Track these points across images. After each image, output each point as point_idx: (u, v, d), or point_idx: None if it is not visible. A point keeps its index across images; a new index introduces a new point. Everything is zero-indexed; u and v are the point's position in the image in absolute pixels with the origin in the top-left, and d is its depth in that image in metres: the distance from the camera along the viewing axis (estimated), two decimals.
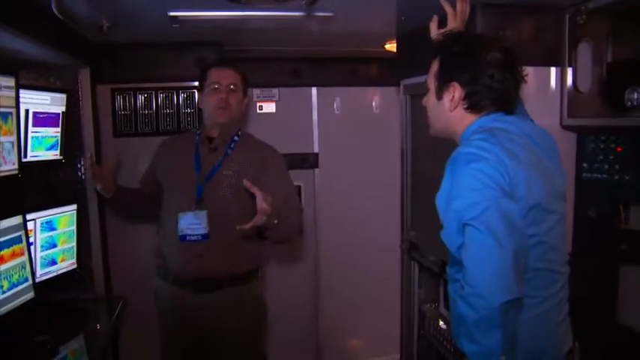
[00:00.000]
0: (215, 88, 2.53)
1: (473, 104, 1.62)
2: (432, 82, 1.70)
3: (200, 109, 2.72)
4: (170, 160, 2.64)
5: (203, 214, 2.46)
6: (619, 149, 2.12)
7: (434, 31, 1.97)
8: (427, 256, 2.79)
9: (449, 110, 1.65)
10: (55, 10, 2.12)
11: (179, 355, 2.60)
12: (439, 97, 1.67)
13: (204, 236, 2.46)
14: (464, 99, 1.62)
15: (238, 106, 2.59)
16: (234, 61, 2.67)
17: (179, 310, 2.51)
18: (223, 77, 2.55)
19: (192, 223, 2.46)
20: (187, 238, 2.46)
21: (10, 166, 2.28)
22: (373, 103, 4.03)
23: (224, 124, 2.55)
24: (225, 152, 2.56)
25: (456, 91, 1.62)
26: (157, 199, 2.65)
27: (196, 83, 3.17)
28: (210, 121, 2.58)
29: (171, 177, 2.59)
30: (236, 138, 2.61)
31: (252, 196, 2.28)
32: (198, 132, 2.65)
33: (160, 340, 2.68)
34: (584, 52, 2.14)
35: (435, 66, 1.68)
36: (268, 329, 2.81)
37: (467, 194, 1.44)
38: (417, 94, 2.77)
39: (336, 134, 3.89)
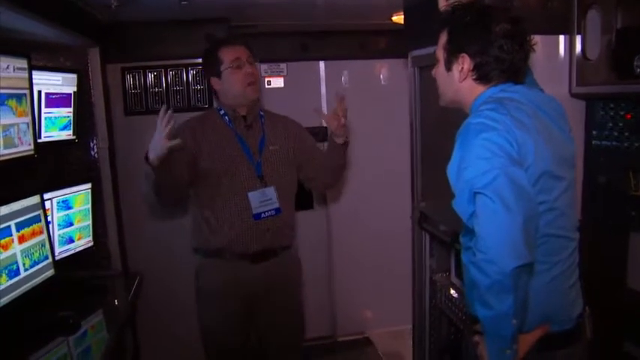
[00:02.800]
0: (237, 65, 2.50)
1: (482, 75, 1.63)
2: (441, 54, 1.71)
3: (215, 92, 2.65)
4: (211, 143, 2.53)
5: (271, 189, 2.54)
6: (628, 116, 2.12)
7: (442, 2, 1.97)
8: (438, 226, 2.80)
9: (458, 81, 1.67)
10: None
11: (225, 333, 2.63)
12: (448, 68, 1.69)
13: (277, 210, 2.55)
14: (473, 70, 1.63)
15: (259, 80, 2.65)
16: (240, 37, 2.68)
17: (232, 280, 2.54)
18: (242, 52, 2.54)
19: (263, 200, 2.51)
20: (262, 215, 2.52)
21: (26, 147, 2.33)
22: (381, 76, 4.05)
23: (255, 99, 2.58)
24: (261, 128, 2.61)
25: (465, 62, 1.64)
26: (187, 184, 2.55)
27: None
28: (239, 99, 2.54)
29: (222, 161, 2.51)
30: (262, 113, 2.67)
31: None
32: (221, 112, 2.61)
33: (199, 318, 2.69)
34: (593, 19, 2.13)
35: (443, 37, 1.69)
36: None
37: (477, 163, 1.46)
38: (425, 66, 2.76)
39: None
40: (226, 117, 2.59)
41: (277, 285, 2.62)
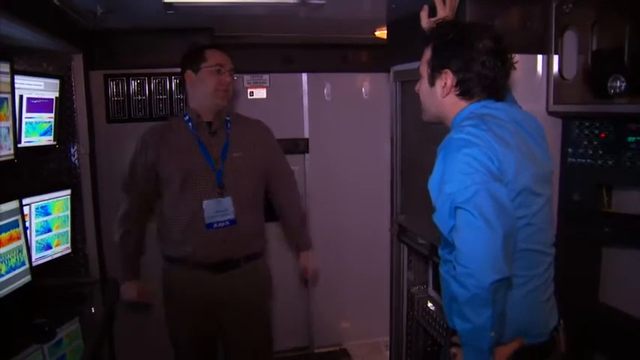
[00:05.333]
0: (218, 70, 2.50)
1: (464, 91, 1.66)
2: (424, 69, 1.74)
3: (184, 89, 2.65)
4: (171, 151, 2.51)
5: (228, 200, 2.49)
6: (603, 135, 2.17)
7: (424, 20, 2.00)
8: (416, 239, 2.82)
9: (441, 96, 1.70)
10: None
11: (190, 332, 2.62)
12: (431, 83, 1.72)
13: (232, 221, 2.50)
14: (456, 85, 1.66)
15: (233, 92, 2.63)
16: (226, 47, 2.68)
17: (195, 289, 2.53)
18: (226, 61, 2.54)
19: (218, 210, 2.47)
20: (215, 225, 2.47)
21: (6, 151, 2.31)
22: (363, 89, 4.06)
23: (223, 107, 2.55)
24: (226, 134, 2.57)
25: (448, 78, 1.67)
26: (156, 196, 2.62)
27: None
28: (208, 102, 2.51)
29: (181, 168, 2.48)
30: (228, 118, 2.63)
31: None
32: (185, 117, 2.57)
33: (166, 320, 2.68)
34: (570, 40, 2.18)
35: (427, 53, 1.72)
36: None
37: (458, 178, 1.48)
38: (406, 81, 2.79)
39: (327, 120, 3.93)
40: (190, 123, 2.54)
41: (241, 296, 2.58)
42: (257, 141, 2.64)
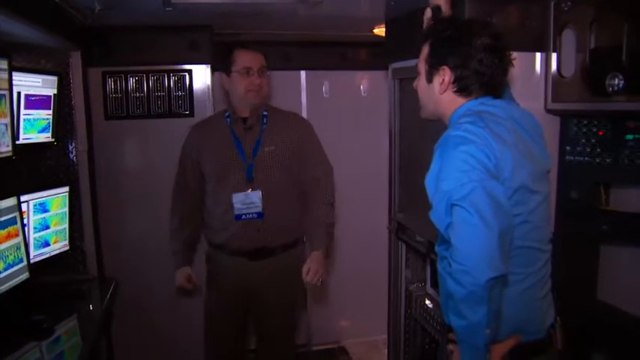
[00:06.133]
0: (247, 72, 2.57)
1: (462, 88, 1.66)
2: (422, 66, 1.74)
3: (226, 91, 2.74)
4: (210, 146, 2.68)
5: (256, 193, 2.59)
6: (600, 133, 2.18)
7: (426, 22, 1.99)
8: (414, 237, 2.83)
9: (439, 93, 1.70)
10: None
11: (224, 312, 2.76)
12: (429, 80, 1.72)
13: (259, 214, 2.60)
14: (453, 82, 1.66)
15: (268, 88, 2.70)
16: (226, 45, 2.68)
17: (233, 271, 2.69)
18: (255, 61, 2.59)
19: (246, 203, 2.58)
20: (243, 217, 2.60)
21: (4, 148, 2.30)
22: (361, 87, 4.07)
23: (258, 105, 2.63)
24: (260, 129, 2.64)
25: (445, 75, 1.67)
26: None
27: (188, 67, 3.23)
28: (242, 103, 2.62)
29: (217, 162, 2.64)
30: (265, 113, 2.69)
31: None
32: (226, 114, 2.70)
33: (206, 297, 2.86)
34: (568, 38, 2.19)
35: (425, 50, 1.72)
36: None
37: (455, 176, 1.49)
38: (405, 78, 2.80)
39: (325, 117, 3.90)
40: (228, 119, 2.67)
41: (274, 282, 2.68)
42: (291, 135, 2.69)
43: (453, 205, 1.48)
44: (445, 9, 1.97)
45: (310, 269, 2.63)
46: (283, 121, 2.72)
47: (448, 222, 1.51)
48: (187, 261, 2.83)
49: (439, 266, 1.69)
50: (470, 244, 1.44)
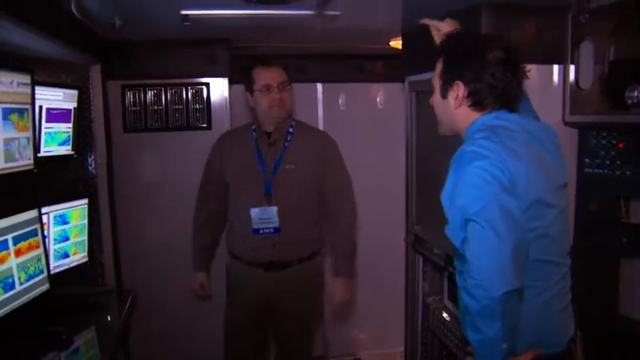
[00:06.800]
0: (267, 89, 2.59)
1: (476, 102, 1.67)
2: (437, 82, 1.75)
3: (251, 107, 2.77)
4: (233, 157, 2.73)
5: (273, 209, 2.61)
6: (621, 145, 2.16)
7: (437, 37, 1.99)
8: (432, 249, 2.83)
9: (454, 108, 1.71)
10: (73, 8, 2.15)
11: (243, 322, 2.78)
12: (444, 95, 1.73)
13: (276, 229, 2.63)
14: (467, 97, 1.67)
15: (291, 101, 2.69)
16: (242, 58, 2.71)
17: (250, 282, 2.72)
18: (274, 78, 2.61)
19: (263, 218, 2.61)
20: (260, 231, 2.63)
21: (26, 161, 2.34)
22: (378, 99, 4.09)
23: (282, 119, 2.65)
24: (283, 146, 2.66)
25: (459, 90, 1.67)
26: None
27: (205, 80, 3.27)
28: (267, 118, 2.65)
29: (239, 174, 2.70)
30: (291, 129, 2.71)
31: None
32: (253, 127, 2.73)
33: (226, 307, 2.88)
34: (587, 50, 2.18)
35: (439, 66, 1.74)
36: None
37: (470, 191, 1.50)
38: (422, 91, 2.81)
39: (341, 130, 3.86)
40: (254, 133, 2.70)
41: (290, 294, 2.70)
42: (314, 155, 2.71)
43: (467, 220, 1.49)
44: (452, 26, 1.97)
45: (336, 295, 2.73)
46: (308, 140, 2.74)
47: (463, 237, 1.52)
48: (203, 267, 2.89)
49: (457, 280, 1.69)
50: (484, 258, 1.45)
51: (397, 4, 2.49)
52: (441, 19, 1.99)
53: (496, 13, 2.21)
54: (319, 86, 4.00)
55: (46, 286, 2.44)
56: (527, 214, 1.52)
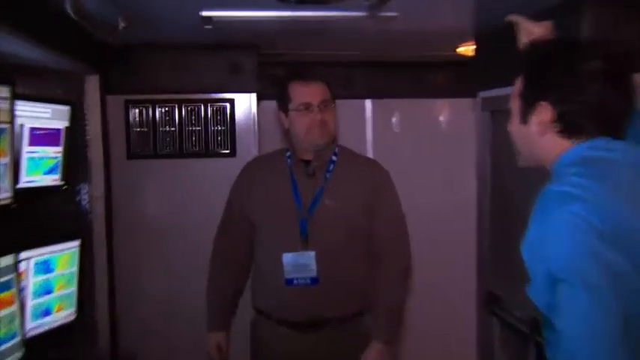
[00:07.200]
0: (306, 108, 2.53)
1: (567, 127, 1.55)
2: (515, 103, 1.65)
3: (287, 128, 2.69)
4: (263, 190, 2.65)
5: (310, 254, 2.53)
6: None
7: (523, 40, 1.93)
8: (512, 311, 2.80)
9: (538, 135, 1.59)
10: (68, 7, 2.15)
11: None
12: (524, 120, 1.62)
13: (314, 280, 2.54)
14: (555, 121, 1.55)
15: (335, 122, 2.62)
16: (318, 72, 2.66)
17: (280, 346, 2.63)
18: (314, 95, 2.54)
19: (298, 266, 2.54)
20: (294, 282, 2.54)
21: (2, 194, 2.27)
22: (441, 119, 4.08)
23: (323, 146, 2.58)
24: (324, 177, 2.60)
25: (545, 112, 1.56)
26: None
27: (229, 95, 3.28)
28: (304, 144, 2.58)
29: (269, 211, 2.62)
30: (334, 158, 2.65)
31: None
32: (287, 153, 2.67)
33: None
34: None
35: (518, 84, 1.64)
36: None
37: (558, 242, 1.38)
38: (499, 110, 2.78)
39: (394, 157, 3.82)
40: (289, 160, 2.64)
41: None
42: (361, 189, 2.65)
43: (556, 279, 1.37)
44: (543, 31, 1.89)
45: None
46: (354, 170, 2.68)
47: (550, 300, 1.40)
48: (222, 325, 2.77)
49: (548, 354, 1.56)
50: (579, 331, 1.34)
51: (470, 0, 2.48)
52: (535, 19, 1.91)
53: (602, 10, 2.17)
54: (368, 103, 4.00)
55: (19, 354, 2.35)
56: (637, 273, 1.38)
